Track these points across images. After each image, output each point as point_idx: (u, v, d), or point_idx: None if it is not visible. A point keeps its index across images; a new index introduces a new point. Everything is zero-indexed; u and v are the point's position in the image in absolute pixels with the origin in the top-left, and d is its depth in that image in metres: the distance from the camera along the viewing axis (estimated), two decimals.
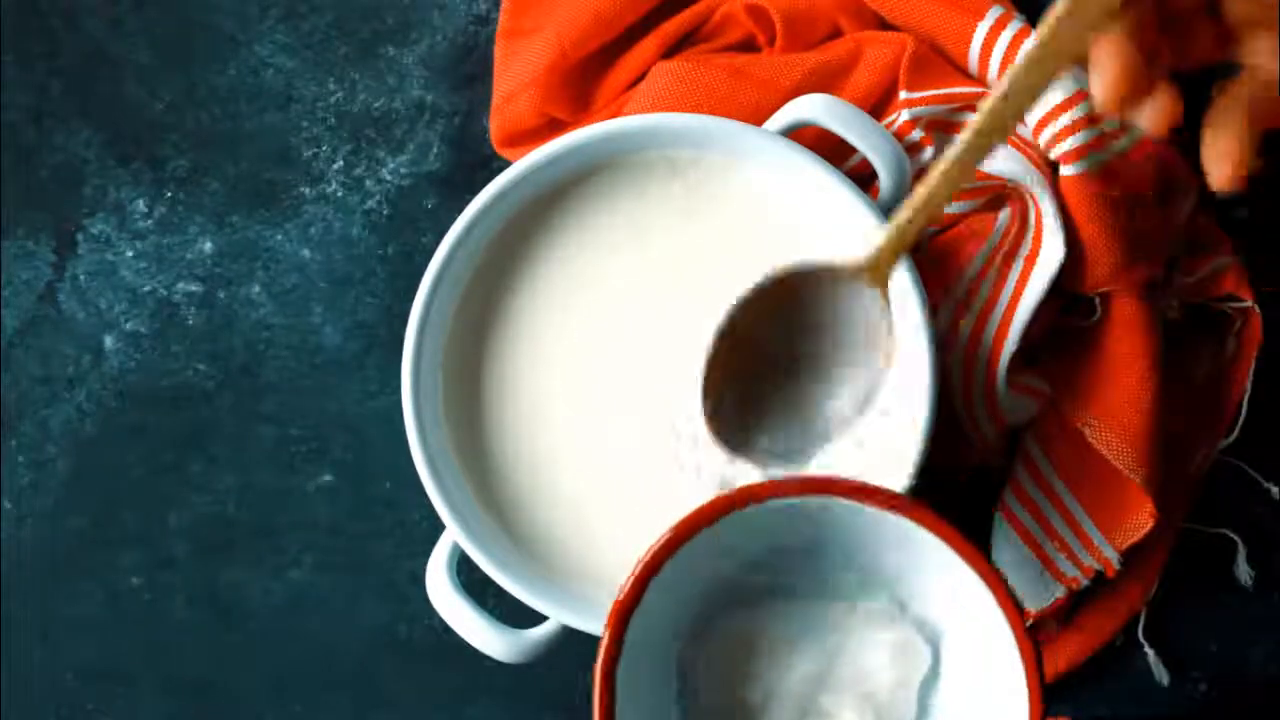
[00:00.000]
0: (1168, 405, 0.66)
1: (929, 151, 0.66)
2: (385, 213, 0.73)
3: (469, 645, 0.65)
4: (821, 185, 0.63)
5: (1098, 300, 0.66)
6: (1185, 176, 0.66)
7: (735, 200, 0.65)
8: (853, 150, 0.65)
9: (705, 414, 0.55)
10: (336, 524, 0.73)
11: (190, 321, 0.73)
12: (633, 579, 0.56)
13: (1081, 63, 0.50)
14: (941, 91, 0.66)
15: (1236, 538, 0.70)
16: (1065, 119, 0.64)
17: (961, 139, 0.52)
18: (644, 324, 0.65)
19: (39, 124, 0.74)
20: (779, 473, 0.57)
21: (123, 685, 0.73)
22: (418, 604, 0.70)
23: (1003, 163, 0.64)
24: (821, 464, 0.59)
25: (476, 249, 0.65)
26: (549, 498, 0.65)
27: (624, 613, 0.56)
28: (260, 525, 0.73)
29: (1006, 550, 0.68)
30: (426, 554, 0.66)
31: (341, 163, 0.73)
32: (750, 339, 0.55)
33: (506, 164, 0.66)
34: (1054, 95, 0.64)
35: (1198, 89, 0.52)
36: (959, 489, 0.69)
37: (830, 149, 0.64)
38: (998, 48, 0.66)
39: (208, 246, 0.73)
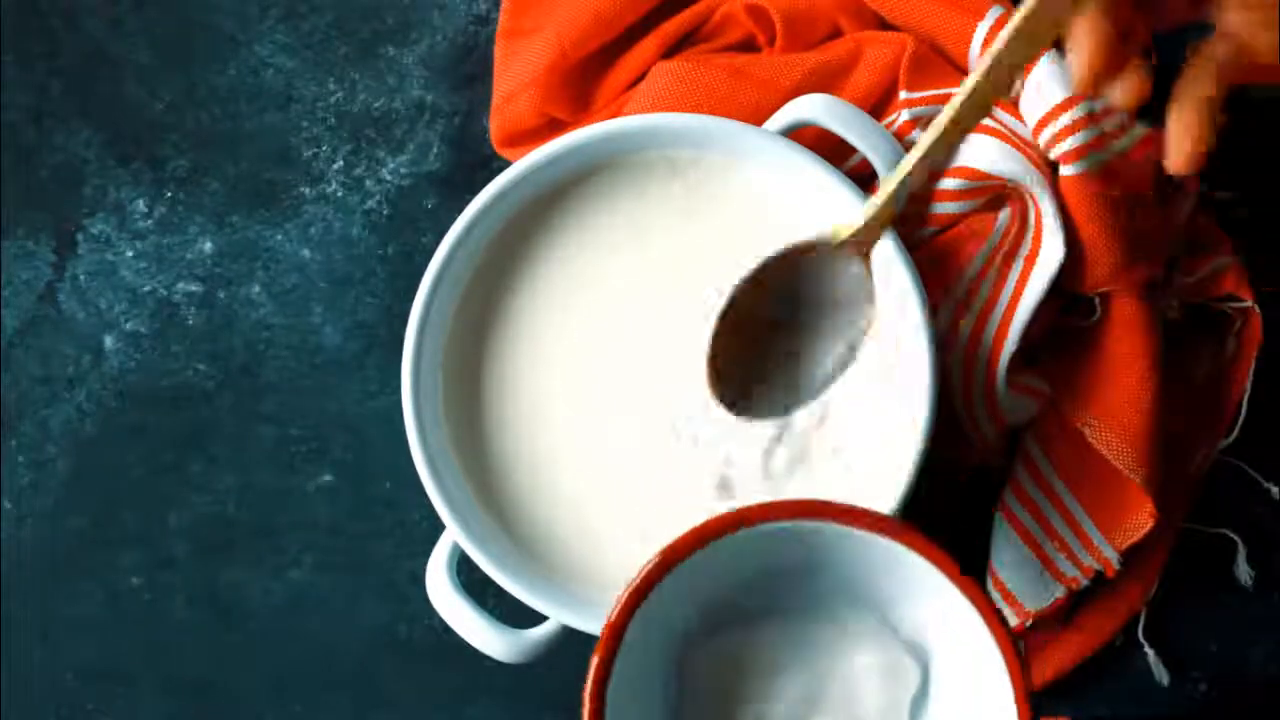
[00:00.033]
0: (1168, 405, 0.66)
1: None
2: (385, 213, 0.73)
3: (469, 645, 0.65)
4: (821, 185, 0.63)
5: (1098, 300, 0.66)
6: (1185, 177, 0.66)
7: (735, 200, 0.65)
8: (853, 150, 0.65)
9: (709, 382, 0.58)
10: (336, 524, 0.73)
11: (190, 321, 0.73)
12: (622, 602, 0.56)
13: (1060, 44, 0.51)
14: (941, 91, 0.66)
15: (1236, 538, 0.70)
16: (1065, 119, 0.64)
17: (943, 116, 0.53)
18: (644, 324, 0.65)
19: (39, 124, 0.74)
20: (780, 455, 0.62)
21: (123, 685, 0.73)
22: (418, 604, 0.70)
23: (1003, 163, 0.64)
24: (812, 488, 0.63)
25: (476, 249, 0.65)
26: (549, 497, 0.65)
27: (614, 635, 0.56)
28: (260, 525, 0.73)
29: (1006, 550, 0.68)
30: (426, 554, 0.66)
31: (341, 163, 0.73)
32: (750, 315, 0.58)
33: (506, 164, 0.66)
34: (1054, 95, 0.64)
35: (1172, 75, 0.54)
36: (959, 489, 0.69)
37: (830, 149, 0.64)
38: None
39: (208, 246, 0.73)
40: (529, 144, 0.69)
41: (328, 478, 0.73)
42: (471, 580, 0.65)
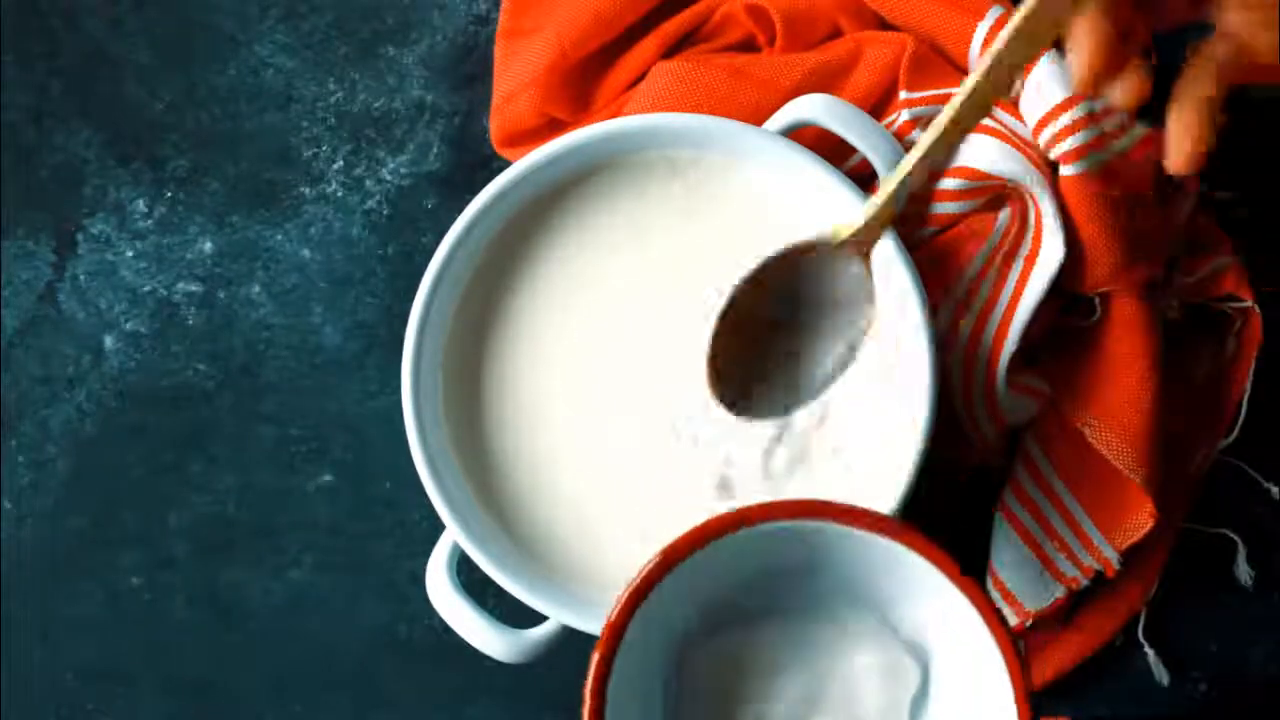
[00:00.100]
0: (1168, 405, 0.66)
1: None
2: (385, 213, 0.73)
3: (469, 645, 0.65)
4: (821, 185, 0.63)
5: (1098, 300, 0.66)
6: (1185, 177, 0.66)
7: (735, 200, 0.65)
8: (853, 150, 0.65)
9: (709, 382, 0.58)
10: (336, 524, 0.73)
11: (190, 321, 0.73)
12: (622, 602, 0.56)
13: (1060, 44, 0.51)
14: (941, 91, 0.66)
15: (1236, 538, 0.70)
16: (1065, 119, 0.64)
17: (943, 115, 0.53)
18: (644, 324, 0.65)
19: (39, 124, 0.74)
20: (777, 446, 0.62)
21: (123, 685, 0.73)
22: (418, 604, 0.70)
23: (1003, 163, 0.64)
24: (812, 488, 0.64)
25: (476, 249, 0.65)
26: (549, 497, 0.65)
27: (614, 635, 0.56)
28: (260, 525, 0.73)
29: (1006, 550, 0.68)
30: (426, 554, 0.66)
31: (341, 163, 0.73)
32: (750, 315, 0.58)
33: (506, 164, 0.66)
34: (1054, 95, 0.64)
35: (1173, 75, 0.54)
36: (959, 489, 0.69)
37: (830, 149, 0.64)
38: None
39: (208, 246, 0.73)
40: (529, 144, 0.69)
41: (328, 478, 0.73)
42: (471, 580, 0.65)
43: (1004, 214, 0.66)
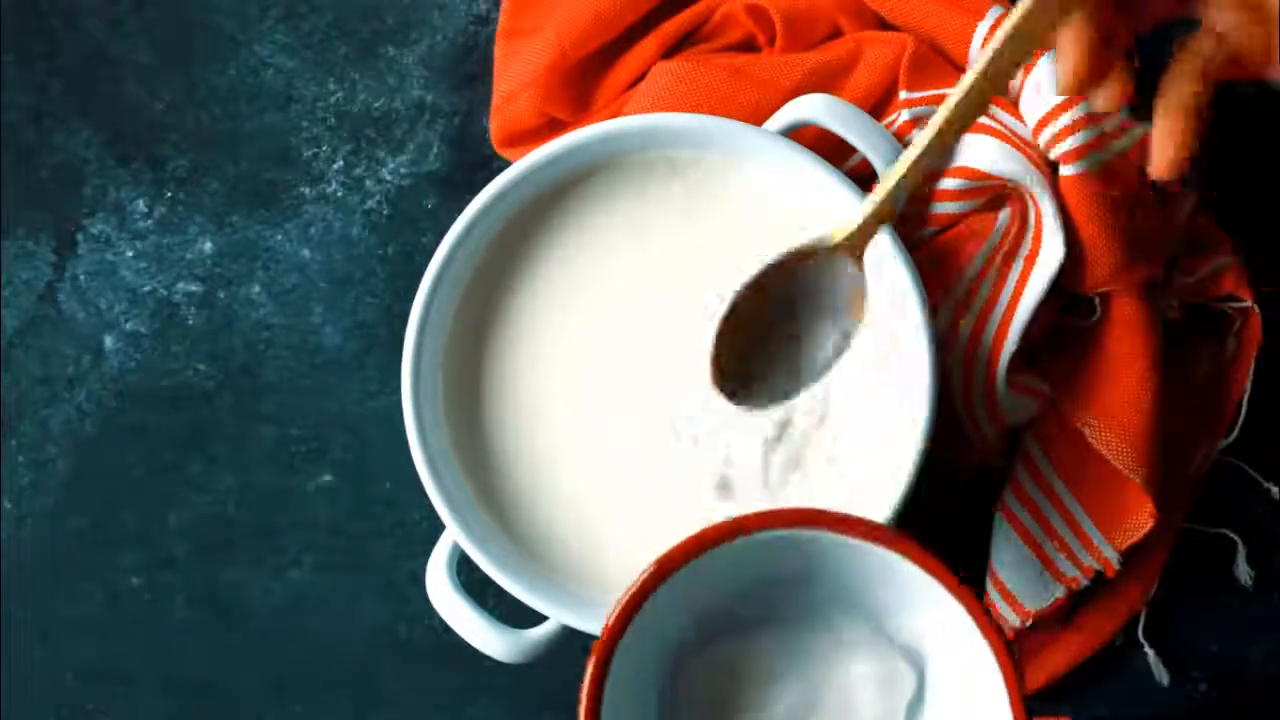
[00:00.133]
0: (1168, 405, 0.66)
1: None
2: (385, 213, 0.73)
3: (469, 645, 0.65)
4: (821, 185, 0.63)
5: (1098, 300, 0.66)
6: (1186, 176, 0.66)
7: (735, 200, 0.65)
8: (853, 150, 0.65)
9: (713, 380, 0.58)
10: (336, 524, 0.73)
11: (190, 321, 0.73)
12: (617, 611, 0.56)
13: (1050, 47, 0.51)
14: (941, 91, 0.66)
15: (1236, 538, 0.70)
16: (1065, 119, 0.64)
17: (939, 115, 0.53)
18: (644, 324, 0.65)
19: (39, 124, 0.74)
20: (774, 437, 0.63)
21: (123, 685, 0.73)
22: (418, 604, 0.70)
23: (1003, 163, 0.64)
24: (812, 488, 0.64)
25: (476, 249, 0.65)
26: (549, 497, 0.65)
27: (608, 645, 0.56)
28: (260, 525, 0.73)
29: (1006, 550, 0.68)
30: (426, 554, 0.66)
31: (341, 163, 0.73)
32: (750, 317, 0.58)
33: (506, 164, 0.66)
34: (1054, 95, 0.64)
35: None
36: (959, 489, 0.69)
37: (830, 149, 0.64)
38: None
39: (208, 246, 0.73)
40: (529, 144, 0.69)
41: (328, 478, 0.73)
42: (471, 580, 0.65)
43: (1004, 214, 0.66)
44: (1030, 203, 0.65)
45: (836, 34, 0.69)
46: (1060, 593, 0.68)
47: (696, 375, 0.64)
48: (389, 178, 0.73)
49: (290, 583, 0.73)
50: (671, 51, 0.69)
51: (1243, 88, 0.56)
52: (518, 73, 0.69)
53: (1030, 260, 0.65)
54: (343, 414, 0.73)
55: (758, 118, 0.65)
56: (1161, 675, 0.70)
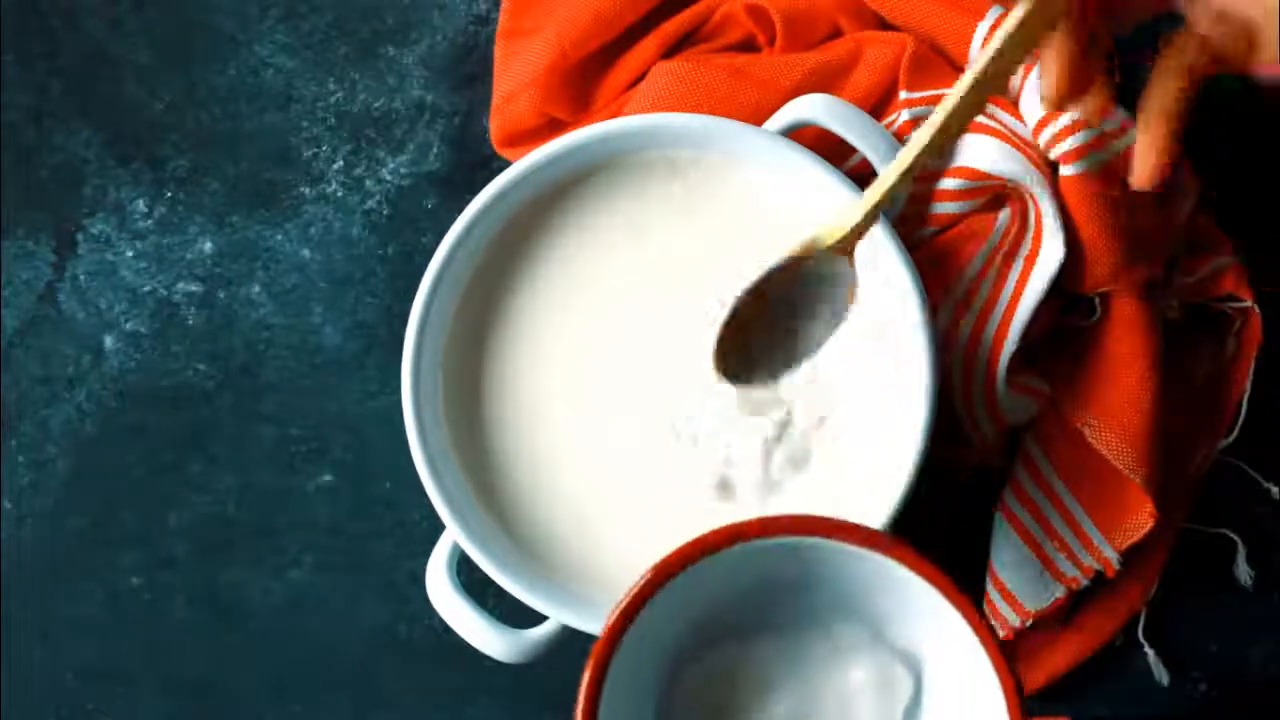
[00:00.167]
0: (1168, 405, 0.66)
1: None
2: (385, 213, 0.73)
3: (469, 645, 0.65)
4: (821, 185, 0.63)
5: (1098, 300, 0.66)
6: (1185, 176, 0.66)
7: (735, 200, 0.65)
8: (853, 150, 0.65)
9: (714, 368, 0.59)
10: (336, 524, 0.73)
11: (190, 321, 0.73)
12: (614, 618, 0.56)
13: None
14: (941, 91, 0.66)
15: (1236, 538, 0.70)
16: (1065, 119, 0.64)
17: (935, 115, 0.53)
18: (644, 324, 0.65)
19: (39, 124, 0.74)
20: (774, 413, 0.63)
21: (123, 685, 0.73)
22: (418, 604, 0.70)
23: (1003, 163, 0.64)
24: (812, 489, 0.64)
25: (476, 249, 0.65)
26: (549, 497, 0.65)
27: (605, 653, 0.56)
28: (260, 525, 0.73)
29: (1006, 550, 0.68)
30: (426, 554, 0.66)
31: (341, 163, 0.73)
32: (751, 317, 0.58)
33: (506, 164, 0.66)
34: None
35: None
36: (959, 489, 0.69)
37: (830, 149, 0.64)
38: None
39: (208, 246, 0.73)
40: (529, 144, 0.69)
41: (328, 478, 0.73)
42: (471, 580, 0.65)
43: (1004, 214, 0.66)
44: (1030, 203, 0.65)
45: (836, 34, 0.69)
46: (1060, 593, 0.68)
47: (696, 375, 0.64)
48: (389, 178, 0.73)
49: (290, 583, 0.73)
50: (671, 51, 0.69)
51: (1229, 83, 0.56)
52: (518, 73, 0.69)
53: (1030, 260, 0.65)
54: (343, 414, 0.73)
55: (758, 118, 0.65)
56: (1161, 675, 0.70)
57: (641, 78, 0.69)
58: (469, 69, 0.73)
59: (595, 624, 0.61)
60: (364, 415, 0.73)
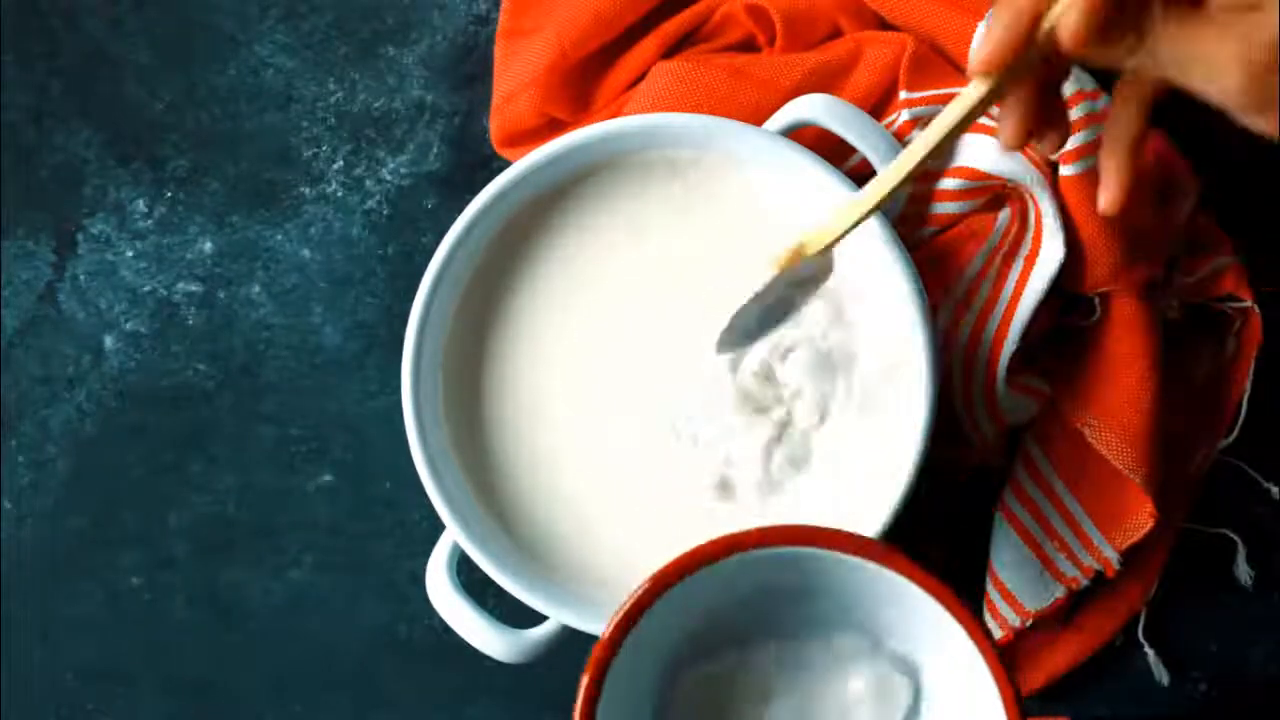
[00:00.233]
0: (1168, 405, 0.66)
1: None
2: (385, 213, 0.73)
3: (469, 645, 0.65)
4: (821, 185, 0.63)
5: (1097, 300, 0.66)
6: (1185, 176, 0.66)
7: (735, 200, 0.65)
8: (853, 150, 0.65)
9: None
10: (336, 524, 0.73)
11: (190, 321, 0.73)
12: (612, 626, 0.56)
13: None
14: (941, 91, 0.66)
15: (1236, 538, 0.70)
16: None
17: (932, 128, 0.53)
18: (644, 324, 0.65)
19: (39, 124, 0.74)
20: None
21: (123, 685, 0.73)
22: (418, 604, 0.70)
23: (1003, 163, 0.64)
24: (811, 489, 0.64)
25: (476, 249, 0.65)
26: (549, 497, 0.65)
27: (603, 661, 0.56)
28: (260, 525, 0.73)
29: (1006, 550, 0.68)
30: (426, 554, 0.66)
31: (341, 163, 0.73)
32: (749, 319, 0.60)
33: (506, 164, 0.66)
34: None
35: None
36: (959, 489, 0.69)
37: (830, 149, 0.64)
38: None
39: (208, 246, 0.73)
40: (529, 144, 0.69)
41: (328, 478, 0.73)
42: (471, 580, 0.65)
43: (1004, 214, 0.66)
44: (1030, 203, 0.65)
45: (836, 34, 0.69)
46: (1060, 593, 0.68)
47: (696, 375, 0.64)
48: (389, 178, 0.73)
49: (290, 583, 0.73)
50: (671, 51, 0.69)
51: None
52: (518, 73, 0.69)
53: (1030, 260, 0.65)
54: (343, 414, 0.73)
55: (758, 118, 0.65)
56: (1161, 675, 0.70)
57: (641, 78, 0.69)
58: (469, 69, 0.73)
59: (595, 624, 0.61)
60: (364, 415, 0.73)
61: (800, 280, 0.58)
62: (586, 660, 0.56)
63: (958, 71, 0.67)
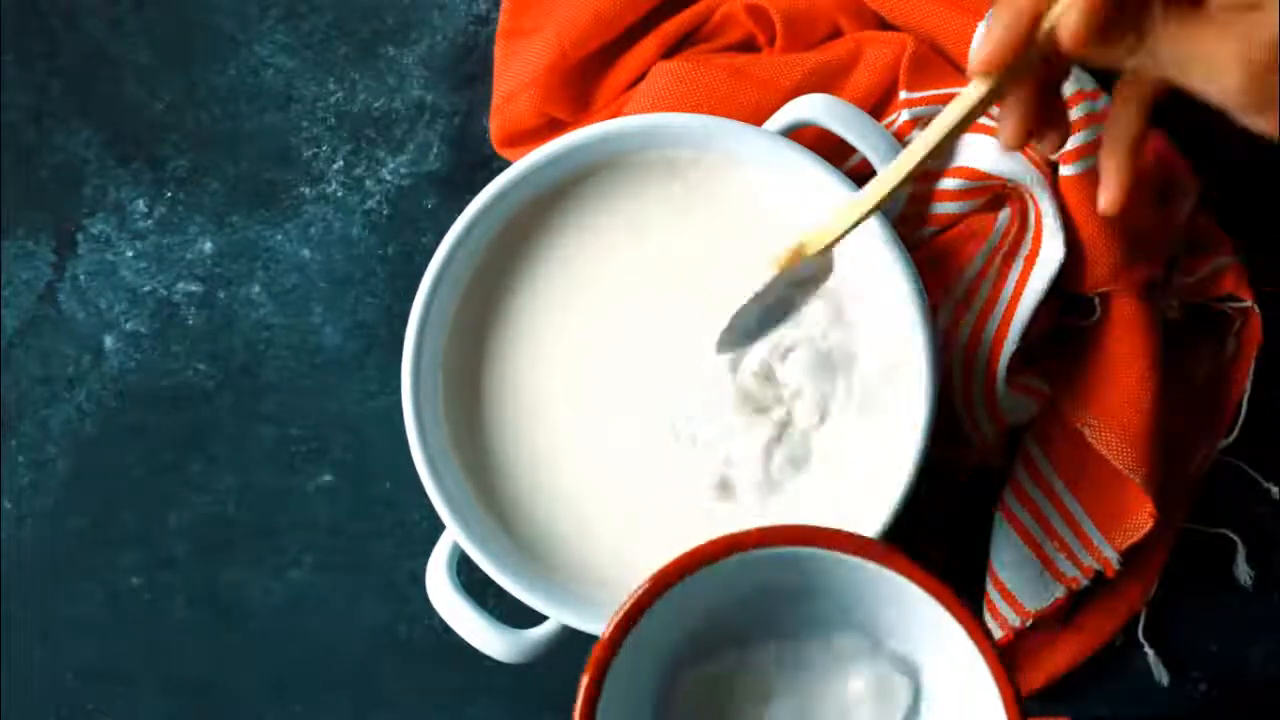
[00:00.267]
0: (1168, 405, 0.66)
1: None
2: (385, 213, 0.73)
3: (469, 645, 0.65)
4: (821, 185, 0.63)
5: (1097, 300, 0.66)
6: (1185, 176, 0.66)
7: (735, 200, 0.65)
8: (853, 150, 0.65)
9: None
10: (336, 524, 0.73)
11: (190, 321, 0.73)
12: (612, 627, 0.56)
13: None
14: (941, 91, 0.66)
15: (1236, 538, 0.70)
16: None
17: (931, 129, 0.53)
18: (644, 324, 0.65)
19: (39, 124, 0.74)
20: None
21: (123, 685, 0.73)
22: (418, 604, 0.70)
23: (1003, 163, 0.64)
24: (811, 489, 0.64)
25: (476, 249, 0.65)
26: (549, 497, 0.65)
27: (602, 662, 0.56)
28: (260, 525, 0.73)
29: (1006, 550, 0.68)
30: (426, 554, 0.66)
31: (341, 163, 0.73)
32: (749, 320, 0.60)
33: (506, 164, 0.66)
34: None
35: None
36: (959, 489, 0.69)
37: (830, 149, 0.64)
38: None
39: (208, 246, 0.73)
40: (529, 144, 0.69)
41: (328, 478, 0.73)
42: (471, 580, 0.65)
43: (1004, 214, 0.66)
44: (1030, 203, 0.65)
45: (836, 34, 0.69)
46: (1060, 593, 0.68)
47: (696, 375, 0.64)
48: (389, 178, 0.73)
49: (290, 583, 0.73)
50: (671, 51, 0.69)
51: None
52: (518, 73, 0.69)
53: (1030, 260, 0.65)
54: (343, 414, 0.73)
55: (758, 118, 0.65)
56: (1161, 675, 0.70)
57: (641, 78, 0.69)
58: (469, 69, 0.73)
59: (595, 624, 0.61)
60: (364, 415, 0.73)
61: (800, 280, 0.58)
62: (586, 660, 0.56)
63: (958, 71, 0.67)
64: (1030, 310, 0.65)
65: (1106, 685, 0.71)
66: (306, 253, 0.73)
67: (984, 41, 0.50)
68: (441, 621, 0.65)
